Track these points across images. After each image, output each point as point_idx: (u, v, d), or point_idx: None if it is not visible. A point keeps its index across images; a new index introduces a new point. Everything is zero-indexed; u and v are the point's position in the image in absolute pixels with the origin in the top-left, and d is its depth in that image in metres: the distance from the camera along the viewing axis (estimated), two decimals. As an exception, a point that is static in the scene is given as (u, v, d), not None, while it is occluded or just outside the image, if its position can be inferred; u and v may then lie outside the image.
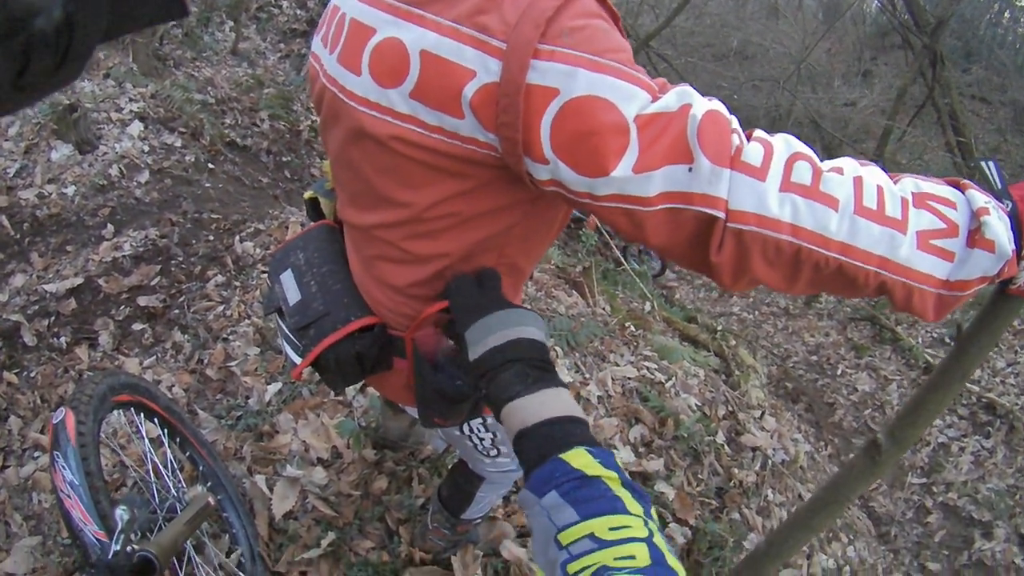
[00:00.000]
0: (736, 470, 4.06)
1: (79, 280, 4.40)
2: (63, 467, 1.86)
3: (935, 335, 9.75)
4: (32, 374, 3.95)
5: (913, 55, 11.25)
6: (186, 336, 4.04)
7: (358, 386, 3.40)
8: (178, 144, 5.98)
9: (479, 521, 2.61)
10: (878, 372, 9.00)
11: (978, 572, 6.10)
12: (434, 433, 2.99)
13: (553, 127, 1.02)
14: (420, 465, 3.12)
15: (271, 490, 2.84)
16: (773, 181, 1.02)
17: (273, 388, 3.46)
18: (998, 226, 1.05)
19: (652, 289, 7.26)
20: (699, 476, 3.85)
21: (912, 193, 1.09)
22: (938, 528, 6.69)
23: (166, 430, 2.52)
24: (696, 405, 4.25)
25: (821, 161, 1.08)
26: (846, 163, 1.09)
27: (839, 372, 9.05)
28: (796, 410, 8.25)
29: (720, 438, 4.18)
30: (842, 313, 10.65)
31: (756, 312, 10.96)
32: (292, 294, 1.59)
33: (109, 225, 4.84)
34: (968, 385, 8.38)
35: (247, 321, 4.01)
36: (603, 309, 5.00)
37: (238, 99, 7.45)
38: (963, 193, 1.11)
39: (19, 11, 0.50)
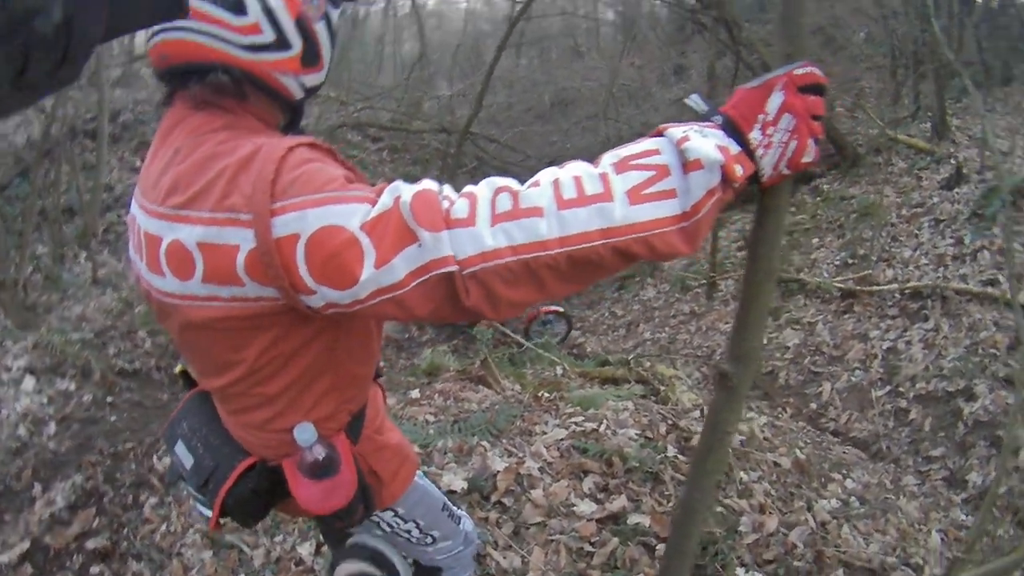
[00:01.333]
0: (696, 470, 4.10)
1: (26, 544, 4.43)
2: None
3: (835, 263, 10.16)
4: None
5: (709, 32, 11.92)
6: (142, 563, 4.08)
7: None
8: (72, 387, 6.18)
9: None
10: (800, 322, 9.24)
11: (979, 431, 6.26)
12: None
13: (307, 264, 1.21)
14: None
15: None
16: (483, 221, 1.18)
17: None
18: (699, 143, 1.20)
19: (560, 353, 7.36)
20: (665, 493, 3.90)
21: (612, 164, 1.24)
22: (923, 419, 6.84)
23: None
24: (636, 434, 4.33)
25: (522, 184, 1.25)
26: (544, 174, 1.25)
27: (765, 341, 9.20)
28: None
29: (671, 451, 4.26)
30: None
31: (666, 328, 11.15)
32: (187, 460, 1.75)
33: (36, 484, 4.97)
34: (884, 287, 8.72)
35: (192, 529, 4.08)
36: (513, 390, 5.06)
37: (114, 326, 7.69)
38: (663, 136, 1.26)
39: (19, 12, 0.52)
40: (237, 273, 1.27)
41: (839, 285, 9.34)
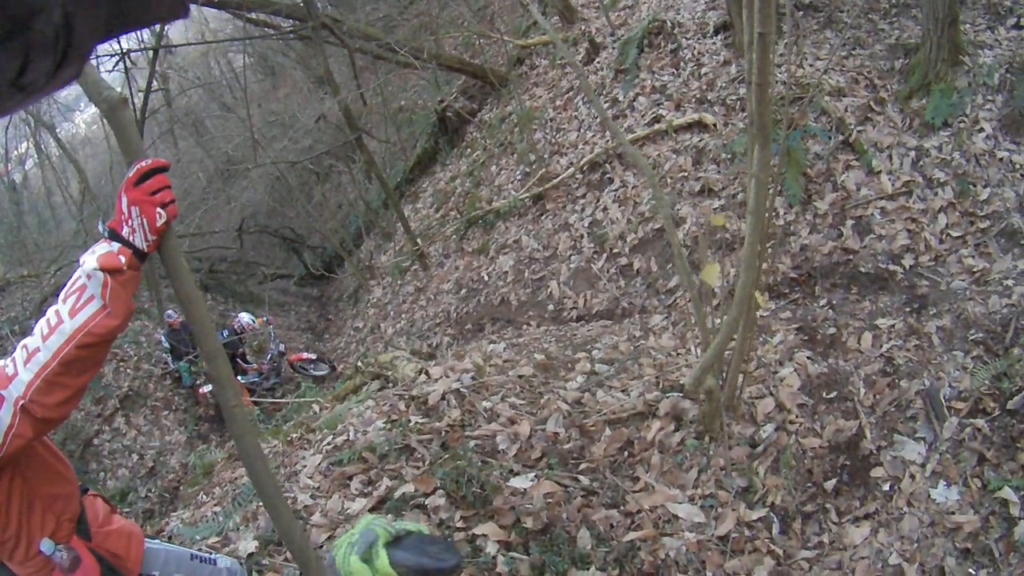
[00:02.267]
0: (438, 423, 4.36)
1: None
2: None
3: (518, 179, 10.54)
4: None
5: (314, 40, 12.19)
6: None
7: None
8: None
9: None
10: (507, 244, 9.79)
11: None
12: None
13: None
14: None
15: None
16: (21, 369, 1.91)
17: None
18: (86, 260, 1.90)
19: (317, 392, 7.65)
20: (417, 456, 4.12)
21: (61, 299, 1.92)
22: (647, 263, 7.49)
23: None
24: (383, 423, 4.53)
25: (34, 331, 1.95)
26: (39, 323, 1.94)
27: (486, 278, 9.71)
28: (488, 331, 8.77)
29: (413, 421, 4.48)
30: (451, 245, 11.35)
31: (402, 316, 11.51)
32: None
33: None
34: (564, 175, 9.23)
35: None
36: (270, 447, 5.07)
37: None
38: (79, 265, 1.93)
39: (19, 11, 0.52)
40: None
41: (526, 195, 9.86)
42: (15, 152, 28.25)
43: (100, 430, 11.43)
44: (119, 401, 12.03)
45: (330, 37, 11.96)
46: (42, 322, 1.94)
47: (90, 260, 1.89)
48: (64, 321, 1.90)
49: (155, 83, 15.75)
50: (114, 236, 1.93)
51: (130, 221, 1.91)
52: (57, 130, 22.99)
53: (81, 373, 1.95)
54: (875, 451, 3.64)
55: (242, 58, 23.04)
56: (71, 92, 25.95)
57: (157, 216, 1.92)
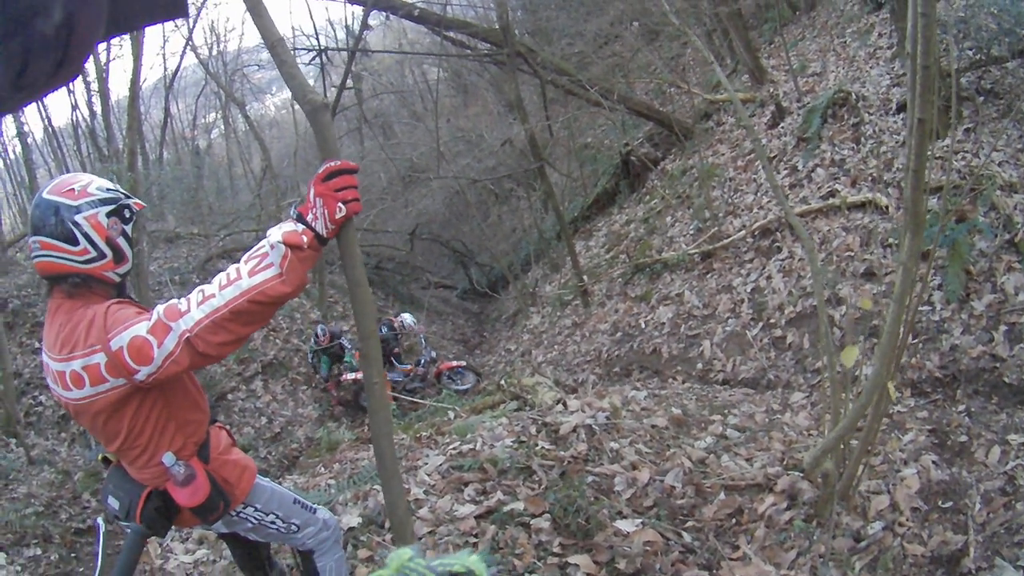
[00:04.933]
0: (563, 452, 4.57)
1: None
2: None
3: (690, 233, 10.74)
4: None
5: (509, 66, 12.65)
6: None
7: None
8: (39, 552, 6.96)
9: None
10: (670, 296, 9.82)
11: (855, 328, 6.67)
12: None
13: (129, 357, 2.27)
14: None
15: None
16: (193, 308, 2.28)
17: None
18: (272, 233, 2.31)
19: (456, 401, 7.88)
20: (535, 479, 4.34)
21: (243, 260, 2.33)
22: (800, 339, 7.43)
23: None
24: (511, 442, 4.79)
25: (212, 281, 2.33)
26: (217, 276, 2.33)
27: (643, 325, 9.76)
28: (634, 378, 8.84)
29: (540, 445, 4.69)
30: (615, 288, 11.50)
31: (555, 347, 11.72)
32: (115, 504, 2.73)
33: None
34: (735, 236, 9.24)
35: None
36: (398, 439, 5.43)
37: (59, 496, 8.34)
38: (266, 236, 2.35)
39: (19, 11, 0.54)
40: (103, 375, 2.31)
41: (695, 251, 9.92)
42: (203, 120, 30.81)
43: (237, 387, 12.06)
44: (261, 366, 12.68)
45: (524, 65, 12.48)
46: (221, 275, 2.32)
47: (276, 234, 2.30)
48: (242, 278, 2.27)
49: (349, 82, 16.78)
50: (301, 219, 2.35)
51: (314, 209, 2.34)
52: (247, 108, 24.45)
53: (247, 324, 2.32)
54: (974, 571, 3.58)
55: (436, 72, 24.02)
56: (265, 75, 27.94)
57: (337, 209, 2.35)
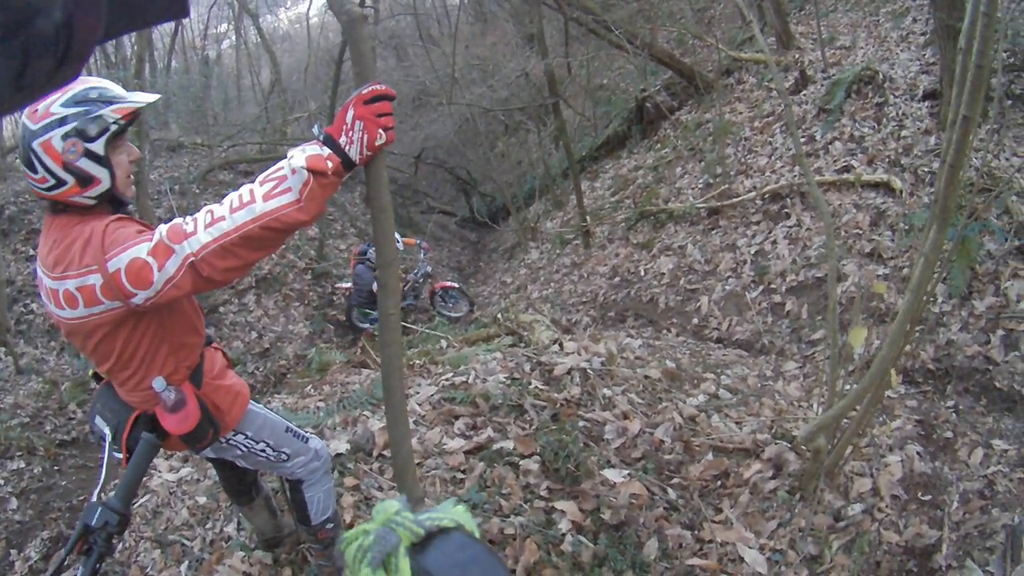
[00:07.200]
0: (556, 394, 4.55)
1: (15, 596, 5.00)
2: None
3: (699, 186, 10.63)
4: None
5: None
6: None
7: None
8: (22, 465, 6.92)
9: (332, 525, 3.27)
10: (672, 247, 9.76)
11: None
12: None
13: (127, 280, 2.18)
14: (303, 545, 3.65)
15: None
16: (200, 230, 2.15)
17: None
18: (296, 157, 2.12)
19: (449, 329, 7.83)
20: (527, 419, 4.32)
21: (258, 180, 2.17)
22: (799, 308, 7.43)
23: None
24: (504, 377, 4.78)
25: (222, 202, 2.18)
26: (228, 196, 2.19)
27: (642, 273, 9.70)
28: (628, 325, 8.83)
29: (533, 384, 4.66)
30: (617, 232, 11.44)
31: (551, 284, 11.65)
32: (102, 425, 2.71)
33: (11, 551, 5.66)
34: (744, 196, 9.17)
35: (142, 540, 4.27)
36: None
37: (46, 406, 8.33)
38: (285, 157, 2.16)
39: (19, 11, 0.53)
40: (98, 297, 2.24)
41: (703, 205, 9.83)
42: (215, 30, 30.19)
43: (229, 300, 11.87)
44: (255, 280, 12.39)
45: (549, -1, 12.09)
46: (233, 196, 2.16)
47: (298, 157, 2.11)
48: (256, 201, 2.12)
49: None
50: (328, 142, 2.12)
51: (351, 133, 2.11)
52: (260, 20, 23.75)
53: (256, 250, 2.20)
54: (944, 568, 3.61)
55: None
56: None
57: (378, 135, 2.12)
